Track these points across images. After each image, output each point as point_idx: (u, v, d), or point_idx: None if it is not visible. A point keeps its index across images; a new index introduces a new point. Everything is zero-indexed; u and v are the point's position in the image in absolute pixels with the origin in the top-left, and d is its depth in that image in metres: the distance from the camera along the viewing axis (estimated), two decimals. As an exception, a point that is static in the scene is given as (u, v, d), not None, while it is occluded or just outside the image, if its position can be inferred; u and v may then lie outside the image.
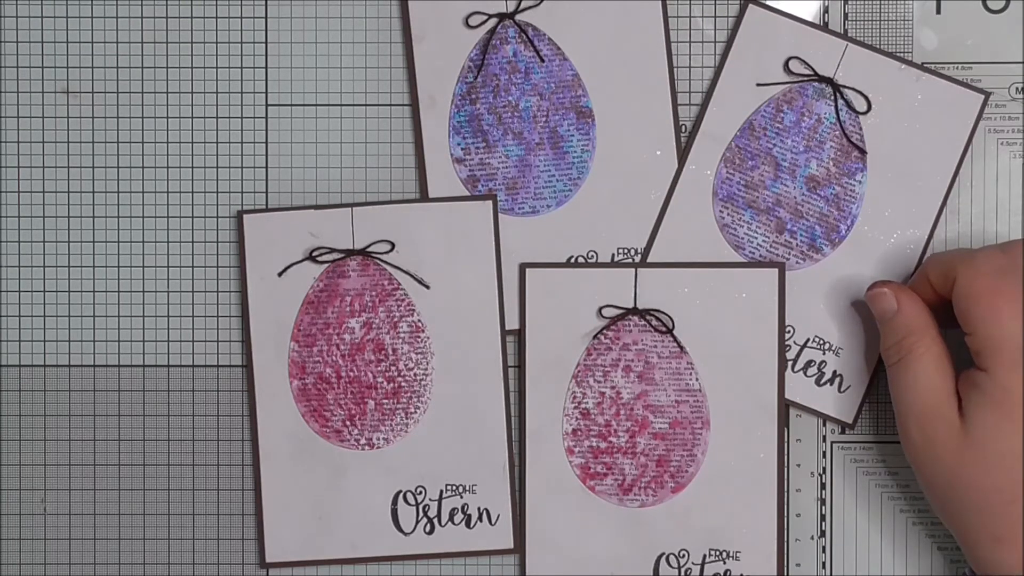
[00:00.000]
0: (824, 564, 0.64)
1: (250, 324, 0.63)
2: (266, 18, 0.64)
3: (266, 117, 0.64)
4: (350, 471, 0.63)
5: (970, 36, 0.63)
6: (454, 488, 0.63)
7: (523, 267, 0.63)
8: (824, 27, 0.63)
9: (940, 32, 0.63)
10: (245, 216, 0.63)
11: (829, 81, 0.63)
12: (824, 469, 0.64)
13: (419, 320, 0.63)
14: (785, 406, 0.63)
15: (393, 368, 0.63)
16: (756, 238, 0.63)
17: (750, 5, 0.63)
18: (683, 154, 0.64)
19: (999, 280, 0.55)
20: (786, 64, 0.63)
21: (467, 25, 0.64)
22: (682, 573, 0.63)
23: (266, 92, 0.64)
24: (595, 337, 0.63)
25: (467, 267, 0.63)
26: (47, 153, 0.64)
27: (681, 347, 0.63)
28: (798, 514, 0.64)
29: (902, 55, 0.63)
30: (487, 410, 0.63)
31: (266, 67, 0.64)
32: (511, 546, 0.63)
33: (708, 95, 0.63)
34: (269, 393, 0.63)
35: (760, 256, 0.63)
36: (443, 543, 0.63)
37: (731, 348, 0.63)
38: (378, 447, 0.63)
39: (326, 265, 0.63)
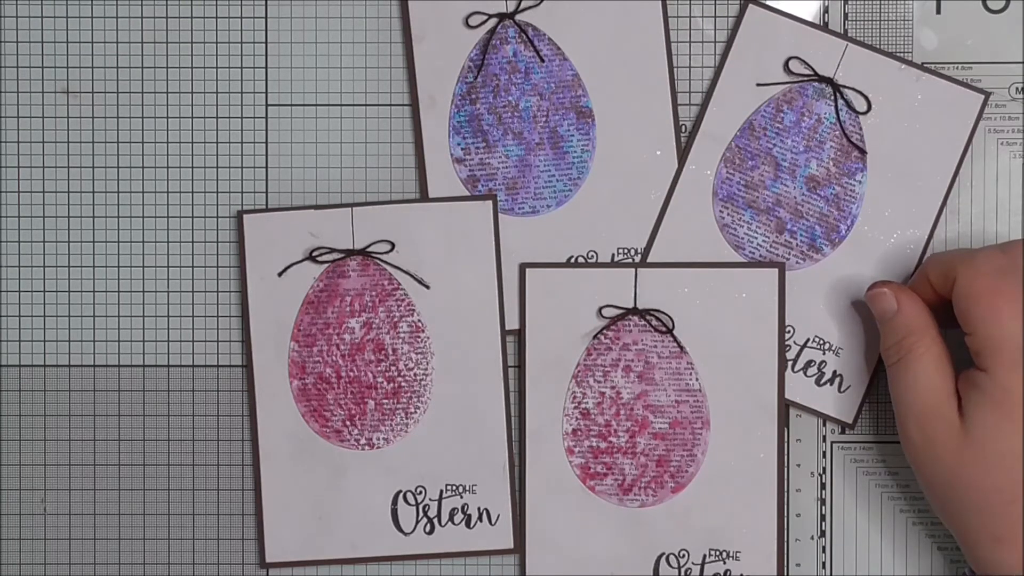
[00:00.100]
0: (824, 564, 0.64)
1: (250, 324, 0.63)
2: (266, 18, 0.64)
3: (266, 117, 0.64)
4: (350, 471, 0.63)
5: (970, 36, 0.63)
6: (454, 488, 0.63)
7: (523, 267, 0.63)
8: (824, 27, 0.63)
9: (940, 32, 0.63)
10: (245, 216, 0.63)
11: (829, 81, 0.63)
12: (824, 469, 0.64)
13: (419, 320, 0.63)
14: (785, 406, 0.63)
15: (393, 368, 0.63)
16: (756, 238, 0.63)
17: (750, 5, 0.63)
18: (683, 154, 0.64)
19: (999, 280, 0.55)
20: (786, 64, 0.63)
21: (467, 25, 0.64)
22: (682, 573, 0.63)
23: (266, 92, 0.64)
24: (595, 337, 0.63)
25: (467, 267, 0.63)
26: (47, 153, 0.64)
27: (681, 347, 0.63)
28: (798, 514, 0.64)
29: (902, 55, 0.63)
30: (487, 410, 0.63)
31: (266, 67, 0.64)
32: (511, 546, 0.63)
33: (708, 95, 0.63)
34: (269, 393, 0.63)
35: (760, 256, 0.63)
36: (443, 543, 0.63)
37: (731, 348, 0.63)
38: (378, 447, 0.63)
39: (326, 265, 0.63)
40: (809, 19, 0.63)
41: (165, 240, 0.64)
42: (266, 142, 0.64)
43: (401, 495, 0.63)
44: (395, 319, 0.63)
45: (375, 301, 0.63)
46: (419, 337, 0.63)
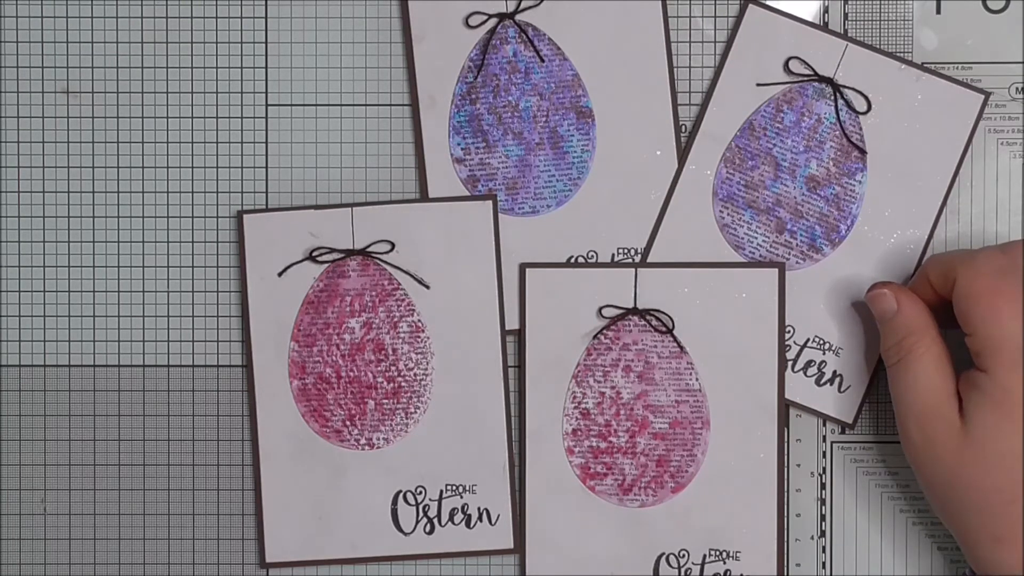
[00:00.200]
0: (824, 564, 0.64)
1: (250, 324, 0.63)
2: (266, 18, 0.64)
3: (266, 117, 0.64)
4: (350, 471, 0.63)
5: (970, 36, 0.63)
6: (454, 488, 0.63)
7: (523, 267, 0.63)
8: (824, 27, 0.63)
9: (940, 32, 0.63)
10: (245, 216, 0.63)
11: (829, 81, 0.63)
12: (824, 469, 0.64)
13: (419, 320, 0.63)
14: (785, 406, 0.63)
15: (393, 368, 0.63)
16: (756, 238, 0.63)
17: (750, 5, 0.63)
18: (683, 154, 0.64)
19: (999, 280, 0.55)
20: (786, 64, 0.63)
21: (467, 25, 0.64)
22: (682, 573, 0.63)
23: (266, 92, 0.64)
24: (595, 337, 0.63)
25: (467, 267, 0.63)
26: (47, 153, 0.64)
27: (681, 347, 0.63)
28: (798, 514, 0.64)
29: (902, 55, 0.63)
30: (487, 410, 0.63)
31: (266, 67, 0.64)
32: (511, 546, 0.63)
33: (708, 95, 0.63)
34: (269, 393, 0.63)
35: (760, 256, 0.63)
36: (443, 543, 0.63)
37: (731, 348, 0.63)
38: (378, 447, 0.63)
39: (326, 265, 0.63)
40: (809, 19, 0.63)
41: (165, 240, 0.64)
42: (266, 142, 0.64)
43: (401, 495, 0.63)
44: (395, 319, 0.63)
45: (375, 301, 0.63)
46: (419, 337, 0.63)
